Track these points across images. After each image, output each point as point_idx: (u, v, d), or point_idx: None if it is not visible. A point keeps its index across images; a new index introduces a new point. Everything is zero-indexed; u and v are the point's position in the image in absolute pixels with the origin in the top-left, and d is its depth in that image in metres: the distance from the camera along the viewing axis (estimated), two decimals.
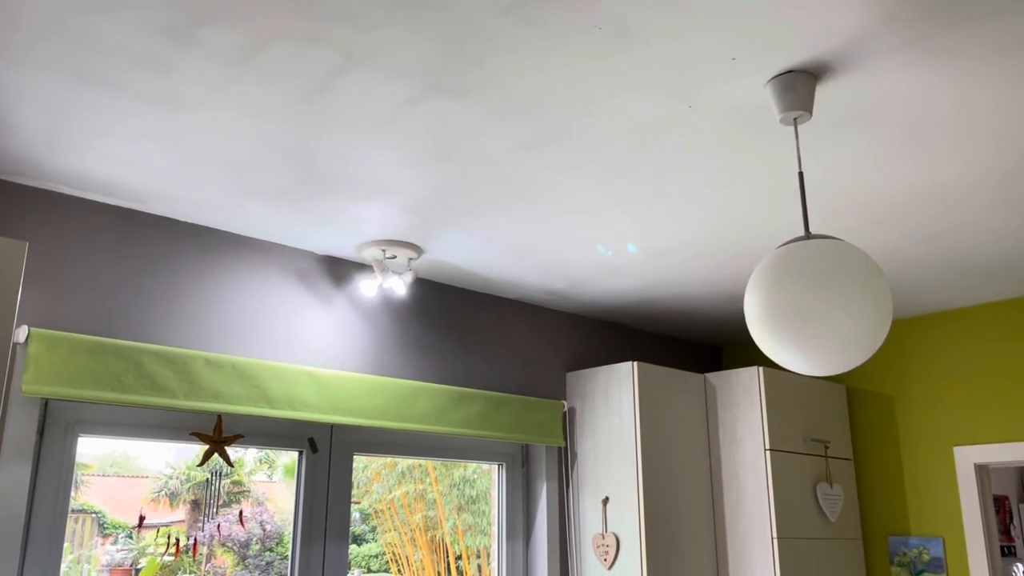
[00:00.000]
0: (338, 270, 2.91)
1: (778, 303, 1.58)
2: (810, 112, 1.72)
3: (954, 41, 1.61)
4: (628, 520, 3.19)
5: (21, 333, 2.15)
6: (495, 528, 3.34)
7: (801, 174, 1.71)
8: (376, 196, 2.36)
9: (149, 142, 2.04)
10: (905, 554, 3.54)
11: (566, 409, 3.46)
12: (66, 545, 2.20)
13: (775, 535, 3.26)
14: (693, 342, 4.26)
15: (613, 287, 3.28)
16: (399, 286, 2.77)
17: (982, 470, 3.45)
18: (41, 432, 2.24)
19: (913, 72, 1.72)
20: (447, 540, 3.35)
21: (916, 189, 2.32)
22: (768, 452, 3.35)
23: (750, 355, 4.23)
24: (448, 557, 3.36)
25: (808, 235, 1.65)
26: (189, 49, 1.64)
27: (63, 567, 2.20)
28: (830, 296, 1.55)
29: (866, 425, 3.78)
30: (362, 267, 2.98)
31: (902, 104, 1.85)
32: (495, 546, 3.31)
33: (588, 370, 3.47)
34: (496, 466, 3.38)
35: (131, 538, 2.47)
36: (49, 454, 2.24)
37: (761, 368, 3.44)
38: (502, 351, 3.36)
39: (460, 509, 3.46)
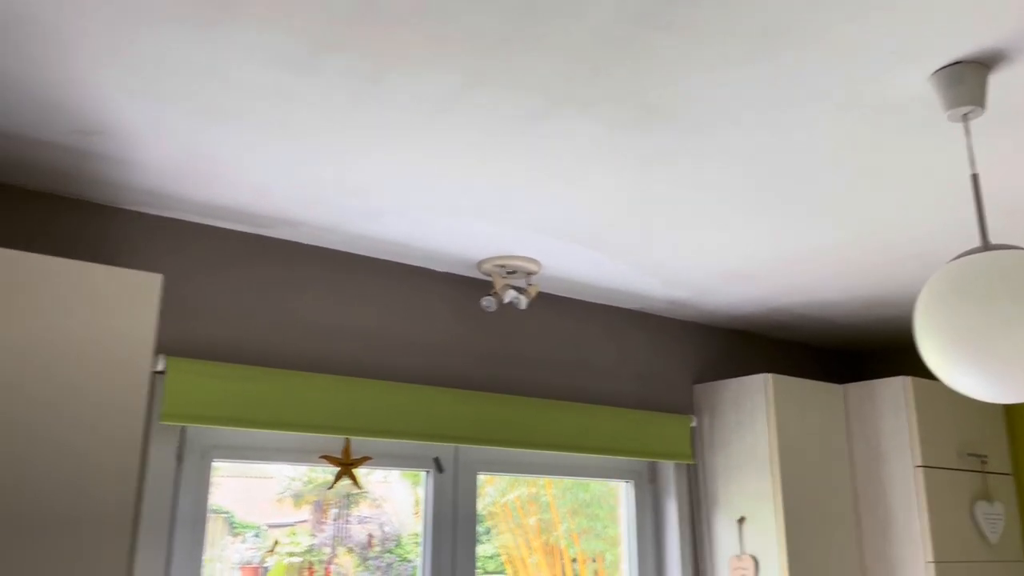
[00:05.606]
0: (459, 288, 2.86)
1: (957, 324, 1.41)
2: (983, 106, 1.53)
3: None
4: (767, 541, 3.01)
5: (159, 362, 2.19)
6: (624, 548, 3.22)
7: (975, 176, 1.52)
8: (497, 214, 2.30)
9: (273, 170, 2.03)
10: None
11: (693, 424, 3.31)
12: None
13: (931, 559, 3.00)
14: (829, 350, 4.01)
15: (741, 296, 3.10)
16: (520, 302, 2.70)
17: None
18: (179, 458, 2.28)
19: None
20: (562, 544, 3.32)
21: None
22: (919, 469, 3.09)
23: (894, 364, 3.95)
24: (563, 560, 3.31)
25: (986, 245, 1.47)
26: (310, 77, 1.60)
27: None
28: (1018, 314, 1.36)
29: None
30: (481, 284, 2.92)
31: None
32: (624, 566, 3.19)
33: (717, 382, 3.30)
34: (623, 483, 3.26)
35: (258, 537, 2.52)
36: (187, 479, 2.28)
37: (910, 379, 3.18)
38: (624, 364, 3.24)
39: (574, 513, 3.40)
